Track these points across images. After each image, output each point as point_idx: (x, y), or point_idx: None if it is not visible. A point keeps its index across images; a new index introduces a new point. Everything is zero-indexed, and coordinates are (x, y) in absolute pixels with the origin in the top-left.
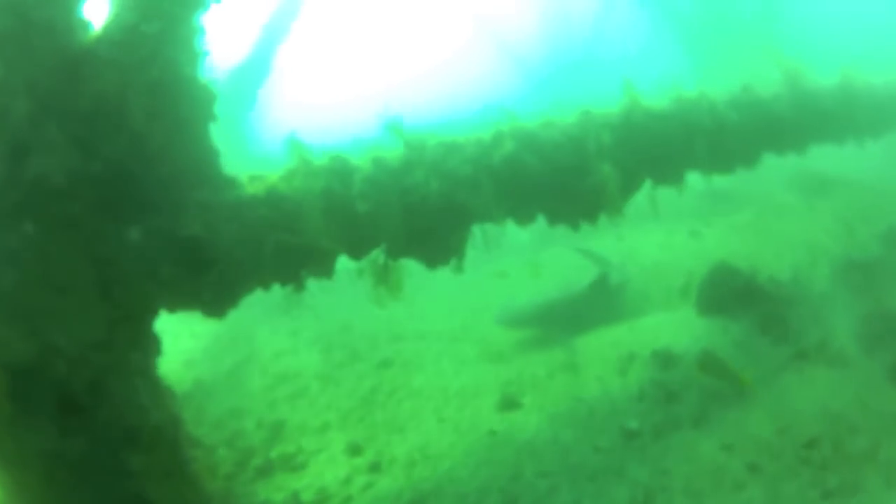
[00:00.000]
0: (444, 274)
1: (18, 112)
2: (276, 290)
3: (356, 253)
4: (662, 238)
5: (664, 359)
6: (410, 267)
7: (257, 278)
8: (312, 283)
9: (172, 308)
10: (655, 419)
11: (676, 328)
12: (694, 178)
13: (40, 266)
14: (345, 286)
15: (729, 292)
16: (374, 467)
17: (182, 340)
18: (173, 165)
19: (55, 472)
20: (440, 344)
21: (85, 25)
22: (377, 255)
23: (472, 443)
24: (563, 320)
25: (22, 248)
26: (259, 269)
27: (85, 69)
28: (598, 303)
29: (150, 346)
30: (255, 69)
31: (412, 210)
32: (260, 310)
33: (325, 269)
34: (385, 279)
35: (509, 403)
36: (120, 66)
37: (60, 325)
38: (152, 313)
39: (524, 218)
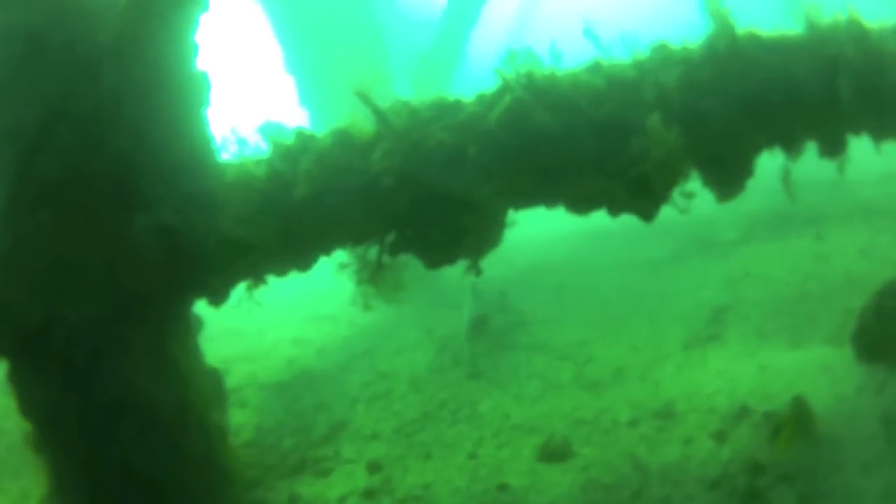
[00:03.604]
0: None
1: (31, 119)
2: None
3: (298, 247)
4: (867, 239)
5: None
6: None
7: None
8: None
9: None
10: None
11: (820, 374)
12: None
13: (53, 248)
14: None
15: None
16: (369, 494)
17: (340, 327)
18: (171, 158)
19: (55, 423)
20: (546, 359)
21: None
22: (366, 249)
23: (476, 496)
24: None
25: (37, 234)
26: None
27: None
28: None
29: (169, 327)
30: None
31: (366, 195)
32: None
33: (276, 264)
34: (373, 277)
35: (557, 453)
36: (116, 68)
37: (67, 300)
38: (168, 297)
39: (545, 201)
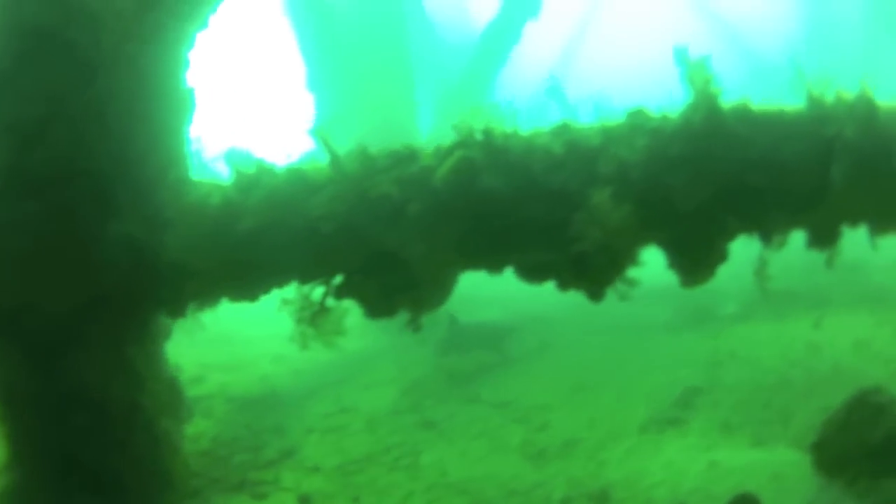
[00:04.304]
0: None
1: (31, 114)
2: None
3: (242, 278)
4: (866, 331)
5: None
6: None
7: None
8: None
9: (139, 303)
10: None
11: (770, 482)
12: None
13: (34, 239)
14: None
15: (861, 445)
16: None
17: (324, 351)
18: (148, 170)
19: (15, 401)
20: (502, 419)
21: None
22: (311, 288)
23: None
24: None
25: (21, 223)
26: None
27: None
28: None
29: (130, 332)
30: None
31: (306, 237)
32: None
33: (223, 291)
34: (314, 319)
35: None
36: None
37: (40, 289)
38: (127, 303)
39: (492, 266)
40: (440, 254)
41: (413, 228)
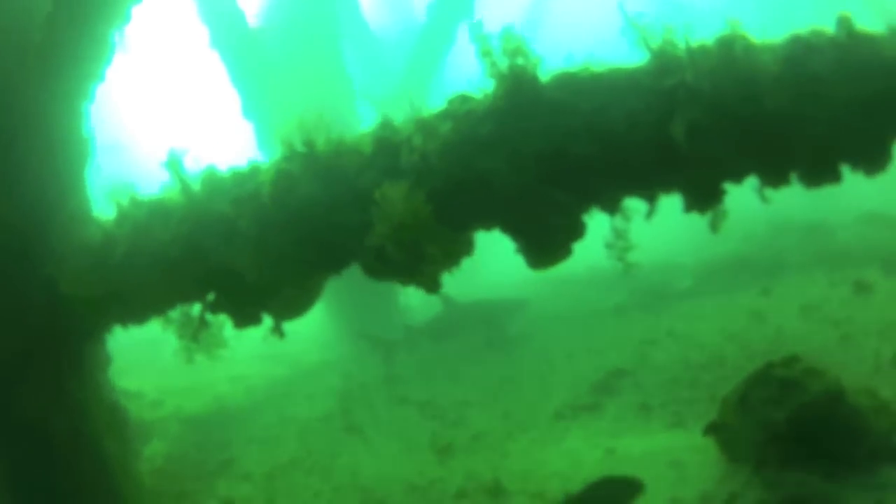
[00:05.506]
0: None
1: None
2: None
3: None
4: (818, 293)
5: None
6: None
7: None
8: None
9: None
10: None
11: (668, 469)
12: None
13: None
14: None
15: (764, 427)
16: None
17: (279, 367)
18: (60, 213)
19: None
20: (420, 417)
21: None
22: (193, 307)
23: None
24: None
25: None
26: None
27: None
28: None
29: (67, 365)
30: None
31: (161, 260)
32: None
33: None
34: (195, 334)
35: None
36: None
37: None
38: (55, 339)
39: (329, 270)
40: (270, 265)
41: (243, 243)
